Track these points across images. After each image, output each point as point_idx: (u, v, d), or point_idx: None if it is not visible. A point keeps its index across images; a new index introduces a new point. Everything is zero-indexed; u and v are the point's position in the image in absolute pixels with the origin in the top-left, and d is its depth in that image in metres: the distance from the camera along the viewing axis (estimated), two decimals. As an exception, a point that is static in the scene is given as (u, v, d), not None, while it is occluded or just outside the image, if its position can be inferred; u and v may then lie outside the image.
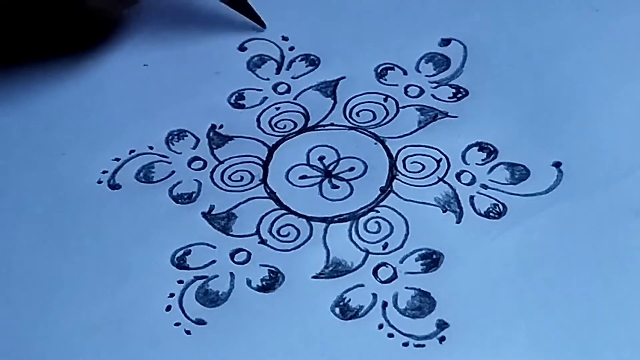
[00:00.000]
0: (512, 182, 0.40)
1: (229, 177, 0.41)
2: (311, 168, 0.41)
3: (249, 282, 0.38)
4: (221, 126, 0.43)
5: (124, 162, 0.42)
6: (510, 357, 0.35)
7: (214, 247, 0.39)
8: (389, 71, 0.44)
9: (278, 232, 0.39)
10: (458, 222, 0.39)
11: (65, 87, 0.45)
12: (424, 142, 0.41)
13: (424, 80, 0.44)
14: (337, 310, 0.37)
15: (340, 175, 0.41)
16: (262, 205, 0.40)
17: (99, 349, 0.36)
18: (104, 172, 0.42)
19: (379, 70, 0.45)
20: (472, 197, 0.39)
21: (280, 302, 0.37)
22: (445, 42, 0.45)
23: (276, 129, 0.43)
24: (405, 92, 0.44)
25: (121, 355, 0.36)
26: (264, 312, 0.37)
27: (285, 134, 0.42)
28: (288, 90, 0.44)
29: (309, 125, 0.43)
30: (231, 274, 0.38)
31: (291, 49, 0.46)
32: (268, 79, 0.45)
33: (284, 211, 0.40)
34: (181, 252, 0.39)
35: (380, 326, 0.36)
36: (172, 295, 0.37)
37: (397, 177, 0.40)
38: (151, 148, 0.42)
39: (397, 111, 0.43)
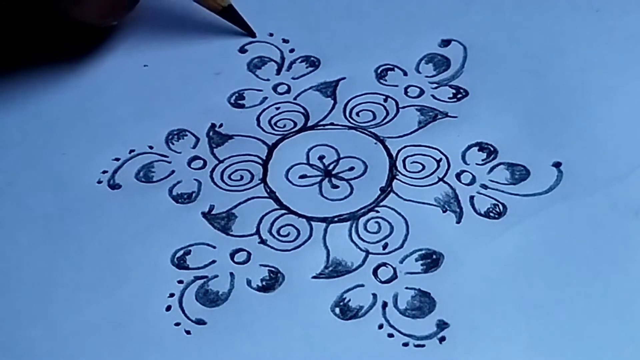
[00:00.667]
0: (512, 182, 0.40)
1: (229, 177, 0.41)
2: (311, 167, 0.41)
3: (249, 282, 0.38)
4: (221, 125, 0.43)
5: (124, 161, 0.42)
6: (510, 357, 0.35)
7: (214, 247, 0.39)
8: (389, 72, 0.44)
9: (278, 232, 0.39)
10: (458, 222, 0.39)
11: (65, 87, 0.45)
12: (424, 142, 0.41)
13: (424, 80, 0.44)
14: (337, 310, 0.37)
15: (340, 175, 0.41)
16: (262, 205, 0.40)
17: (99, 349, 0.36)
18: (104, 172, 0.42)
19: (379, 71, 0.45)
20: (472, 197, 0.39)
21: (280, 302, 0.37)
22: (445, 42, 0.45)
23: (276, 128, 0.43)
24: (405, 93, 0.44)
25: (121, 355, 0.36)
26: (264, 312, 0.37)
27: (285, 133, 0.42)
28: (288, 91, 0.44)
29: (309, 124, 0.43)
30: (231, 274, 0.38)
31: (291, 50, 0.46)
32: (268, 80, 0.45)
33: (284, 211, 0.40)
34: (181, 252, 0.39)
35: (380, 326, 0.36)
36: (172, 295, 0.37)
37: (397, 177, 0.40)
38: (151, 148, 0.42)
39: (397, 111, 0.43)
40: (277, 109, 0.43)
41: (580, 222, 0.38)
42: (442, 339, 0.36)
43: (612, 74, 0.43)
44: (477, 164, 0.41)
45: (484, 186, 0.40)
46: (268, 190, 0.40)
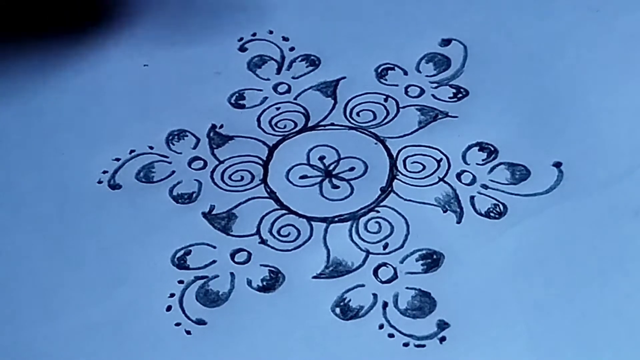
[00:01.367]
0: (513, 182, 0.40)
1: (229, 177, 0.41)
2: (311, 168, 0.41)
3: (249, 282, 0.38)
4: (221, 126, 0.43)
5: (124, 162, 0.42)
6: (510, 357, 0.35)
7: (214, 247, 0.39)
8: (389, 71, 0.44)
9: (278, 232, 0.39)
10: (458, 222, 0.39)
11: (65, 87, 0.45)
12: (424, 142, 0.41)
13: (425, 80, 0.44)
14: (337, 310, 0.37)
15: (341, 175, 0.41)
16: (263, 205, 0.40)
17: (99, 349, 0.36)
18: (104, 172, 0.42)
19: (379, 71, 0.45)
20: (472, 197, 0.39)
21: (281, 302, 0.37)
22: (446, 42, 0.45)
23: (276, 129, 0.43)
24: (406, 92, 0.44)
25: (121, 355, 0.36)
26: (264, 312, 0.37)
27: (286, 133, 0.42)
28: (288, 91, 0.44)
29: (309, 125, 0.43)
30: (231, 274, 0.38)
31: (291, 49, 0.46)
32: (268, 79, 0.45)
33: (284, 211, 0.40)
34: (181, 252, 0.39)
35: (381, 326, 0.36)
36: (172, 295, 0.37)
37: (398, 177, 0.40)
38: (151, 148, 0.42)
39: (398, 111, 0.43)
40: (278, 109, 0.43)
41: (580, 222, 0.38)
42: (442, 339, 0.36)
43: (613, 73, 0.43)
44: (477, 164, 0.41)
45: (485, 186, 0.40)
46: (268, 190, 0.40)
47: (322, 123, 0.43)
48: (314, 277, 0.38)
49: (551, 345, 0.35)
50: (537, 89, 0.43)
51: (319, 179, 0.41)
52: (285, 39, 0.46)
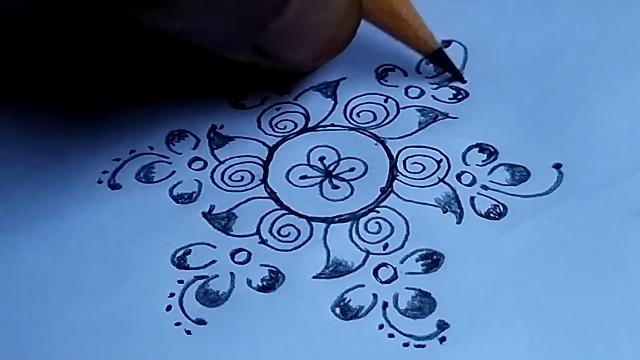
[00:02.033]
0: (513, 183, 0.40)
1: (230, 177, 0.41)
2: (311, 168, 0.41)
3: (249, 282, 0.38)
4: (222, 126, 0.43)
5: (124, 162, 0.42)
6: (511, 357, 0.35)
7: (214, 247, 0.39)
8: (389, 72, 0.45)
9: (278, 232, 0.39)
10: (458, 222, 0.39)
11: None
12: (424, 142, 0.41)
13: (425, 81, 0.44)
14: (337, 310, 0.37)
15: (341, 175, 0.41)
16: (263, 205, 0.40)
17: (99, 349, 0.36)
18: (104, 172, 0.42)
19: (379, 72, 0.45)
20: (472, 198, 0.39)
21: (281, 302, 0.37)
22: (446, 43, 0.45)
23: (276, 130, 0.43)
24: (406, 93, 0.44)
25: (121, 355, 0.36)
26: (264, 312, 0.37)
27: (286, 134, 0.42)
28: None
29: (309, 125, 0.43)
30: (231, 273, 0.38)
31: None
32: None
33: (284, 211, 0.40)
34: (181, 252, 0.39)
35: (381, 326, 0.36)
36: (172, 295, 0.37)
37: (398, 177, 0.40)
38: (151, 148, 0.42)
39: (398, 112, 0.43)
40: (278, 109, 0.43)
41: (580, 223, 0.38)
42: (442, 339, 0.36)
43: (613, 74, 0.43)
44: (477, 165, 0.41)
45: (485, 187, 0.40)
46: (268, 190, 0.40)
47: (322, 124, 0.43)
48: (314, 277, 0.38)
49: (551, 345, 0.35)
50: (537, 91, 0.43)
51: (319, 179, 0.41)
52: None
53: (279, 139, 0.42)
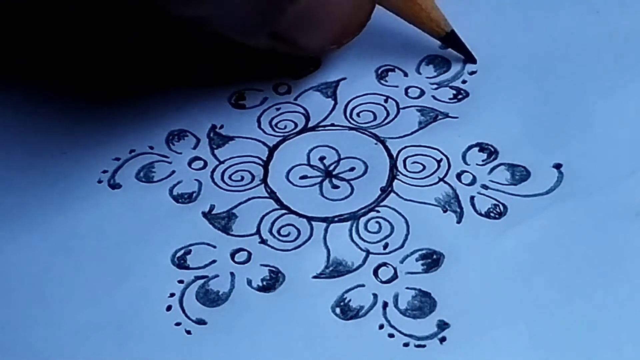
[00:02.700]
0: (513, 182, 0.40)
1: (230, 177, 0.41)
2: (312, 168, 0.41)
3: (249, 282, 0.38)
4: (222, 126, 0.43)
5: (124, 161, 0.42)
6: (511, 357, 0.35)
7: (215, 247, 0.39)
8: (389, 73, 0.45)
9: (278, 232, 0.39)
10: (458, 222, 0.39)
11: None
12: (424, 142, 0.41)
13: (425, 81, 0.44)
14: (337, 310, 0.37)
15: (341, 175, 0.41)
16: (263, 205, 0.40)
17: (99, 349, 0.36)
18: (104, 171, 0.42)
19: (379, 72, 0.45)
20: (472, 198, 0.39)
21: (281, 302, 0.37)
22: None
23: (277, 129, 0.43)
24: (406, 93, 0.44)
25: (121, 355, 0.36)
26: (264, 312, 0.37)
27: (286, 134, 0.42)
28: (288, 91, 0.44)
29: (309, 125, 0.43)
30: (231, 273, 0.38)
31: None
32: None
33: (284, 211, 0.40)
34: (181, 252, 0.39)
35: (381, 326, 0.36)
36: (172, 295, 0.37)
37: (398, 177, 0.40)
38: (151, 148, 0.42)
39: (398, 112, 0.43)
40: (278, 109, 0.43)
41: (580, 223, 0.38)
42: (442, 339, 0.36)
43: (613, 75, 0.43)
44: (477, 165, 0.41)
45: (485, 186, 0.40)
46: (269, 190, 0.40)
47: (322, 123, 0.43)
48: (314, 277, 0.38)
49: (551, 345, 0.35)
50: (537, 90, 0.43)
51: (319, 179, 0.41)
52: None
53: (279, 138, 0.42)
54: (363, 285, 0.37)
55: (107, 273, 0.38)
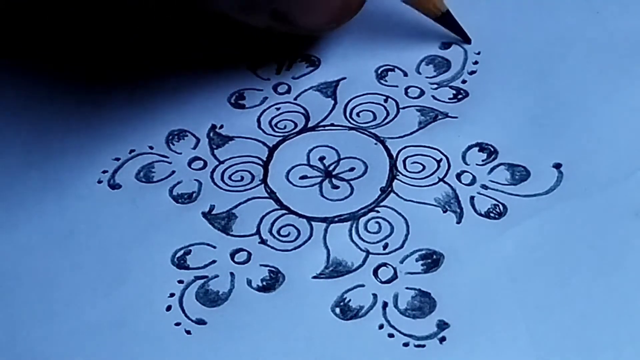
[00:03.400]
0: (513, 182, 0.40)
1: (229, 177, 0.41)
2: (311, 168, 0.41)
3: (249, 282, 0.38)
4: (221, 126, 0.43)
5: (124, 162, 0.42)
6: (511, 357, 0.35)
7: (214, 247, 0.39)
8: (389, 72, 0.45)
9: (278, 232, 0.39)
10: (458, 222, 0.39)
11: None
12: (424, 142, 0.41)
13: (425, 81, 0.44)
14: (337, 310, 0.37)
15: (341, 175, 0.41)
16: (263, 205, 0.40)
17: (99, 349, 0.36)
18: (104, 172, 0.42)
19: (379, 72, 0.45)
20: (472, 198, 0.39)
21: (281, 302, 0.37)
22: (446, 45, 0.45)
23: (276, 129, 0.43)
24: (406, 93, 0.44)
25: (121, 355, 0.36)
26: (264, 312, 0.37)
27: (286, 134, 0.42)
28: (288, 91, 0.44)
29: (309, 125, 0.43)
30: (231, 274, 0.38)
31: (292, 49, 0.46)
32: (268, 79, 0.45)
33: (284, 211, 0.40)
34: (181, 252, 0.39)
35: (381, 326, 0.36)
36: (172, 295, 0.37)
37: (398, 177, 0.40)
38: (151, 148, 0.42)
39: (398, 112, 0.43)
40: (278, 109, 0.43)
41: (580, 222, 0.38)
42: (442, 339, 0.36)
43: (613, 75, 0.43)
44: (477, 165, 0.41)
45: (484, 186, 0.40)
46: (268, 190, 0.40)
47: (322, 123, 0.43)
48: (314, 277, 0.38)
49: (551, 345, 0.35)
50: (537, 90, 0.43)
51: (319, 179, 0.41)
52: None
53: (279, 138, 0.42)
54: (363, 286, 0.37)
55: (107, 273, 0.38)
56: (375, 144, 0.42)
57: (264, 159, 0.42)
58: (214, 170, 0.41)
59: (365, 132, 0.42)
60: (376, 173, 0.41)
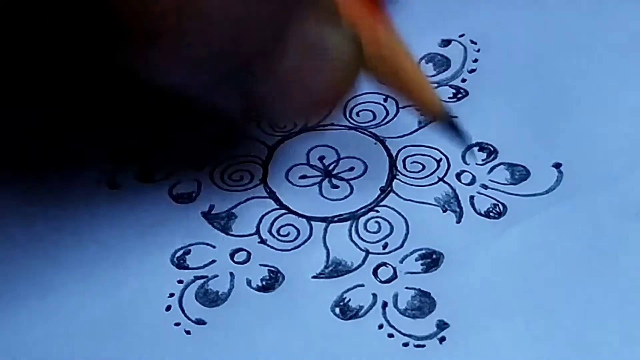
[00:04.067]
0: (512, 182, 0.40)
1: (229, 177, 0.41)
2: (311, 168, 0.41)
3: (248, 282, 0.38)
4: (221, 126, 0.43)
5: (123, 161, 0.42)
6: (510, 357, 0.35)
7: (214, 247, 0.39)
8: (389, 72, 0.44)
9: (278, 231, 0.39)
10: (458, 222, 0.39)
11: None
12: (424, 142, 0.41)
13: (424, 80, 0.44)
14: (337, 310, 0.37)
15: (340, 175, 0.41)
16: (262, 205, 0.40)
17: (99, 349, 0.36)
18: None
19: (379, 71, 0.44)
20: (472, 197, 0.39)
21: (280, 302, 0.37)
22: (446, 42, 0.45)
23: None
24: (406, 93, 0.44)
25: (120, 355, 0.36)
26: (264, 312, 0.37)
27: (286, 133, 0.42)
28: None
29: (309, 125, 0.43)
30: (231, 273, 0.38)
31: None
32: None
33: (284, 211, 0.40)
34: (181, 252, 0.39)
35: (381, 326, 0.36)
36: (172, 295, 0.37)
37: (397, 177, 0.40)
38: (151, 148, 0.42)
39: (397, 111, 0.43)
40: (277, 109, 0.43)
41: (580, 222, 0.38)
42: (442, 339, 0.36)
43: (613, 75, 0.43)
44: (477, 164, 0.41)
45: (484, 186, 0.40)
46: (268, 190, 0.40)
47: (321, 123, 0.43)
48: (314, 277, 0.38)
49: (551, 345, 0.35)
50: (536, 90, 0.43)
51: (319, 178, 0.41)
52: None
53: (279, 138, 0.42)
54: (362, 285, 0.37)
55: (107, 273, 0.38)
56: (375, 143, 0.42)
57: (264, 159, 0.42)
58: (213, 170, 0.41)
59: (365, 132, 0.42)
60: (376, 173, 0.41)
